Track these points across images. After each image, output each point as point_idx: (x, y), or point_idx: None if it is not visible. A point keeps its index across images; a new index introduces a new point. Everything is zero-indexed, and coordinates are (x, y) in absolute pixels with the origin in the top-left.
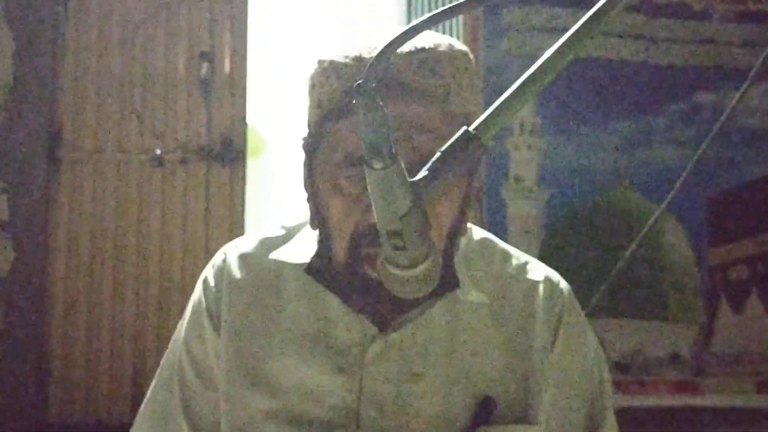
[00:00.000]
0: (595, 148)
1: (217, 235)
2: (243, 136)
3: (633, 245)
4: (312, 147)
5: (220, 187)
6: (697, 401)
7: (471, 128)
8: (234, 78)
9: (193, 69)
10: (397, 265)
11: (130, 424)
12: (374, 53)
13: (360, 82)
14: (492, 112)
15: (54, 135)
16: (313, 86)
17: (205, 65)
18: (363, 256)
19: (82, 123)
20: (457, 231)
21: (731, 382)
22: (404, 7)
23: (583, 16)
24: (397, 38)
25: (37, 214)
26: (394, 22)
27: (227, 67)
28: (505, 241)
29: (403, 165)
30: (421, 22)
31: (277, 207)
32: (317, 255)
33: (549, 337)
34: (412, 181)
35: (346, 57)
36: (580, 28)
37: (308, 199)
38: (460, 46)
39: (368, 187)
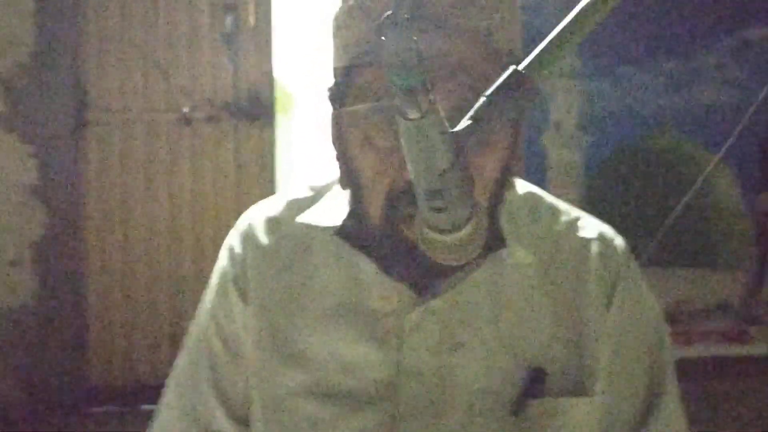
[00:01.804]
0: (638, 90)
1: (249, 192)
2: (270, 91)
3: (686, 197)
4: (339, 97)
5: (250, 144)
6: (747, 350)
7: (520, 68)
8: (259, 31)
9: (217, 22)
10: (437, 229)
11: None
12: None
13: (390, 12)
14: (543, 49)
15: (80, 96)
16: (338, 28)
17: (229, 18)
18: (400, 217)
19: (107, 83)
20: (502, 184)
21: None
22: None
23: None
24: None
25: (68, 177)
26: None
27: (252, 20)
28: (546, 190)
29: (442, 113)
30: None
31: (306, 164)
32: (349, 217)
33: (604, 300)
34: (453, 132)
35: None
36: None
37: (337, 157)
38: None
39: (402, 139)
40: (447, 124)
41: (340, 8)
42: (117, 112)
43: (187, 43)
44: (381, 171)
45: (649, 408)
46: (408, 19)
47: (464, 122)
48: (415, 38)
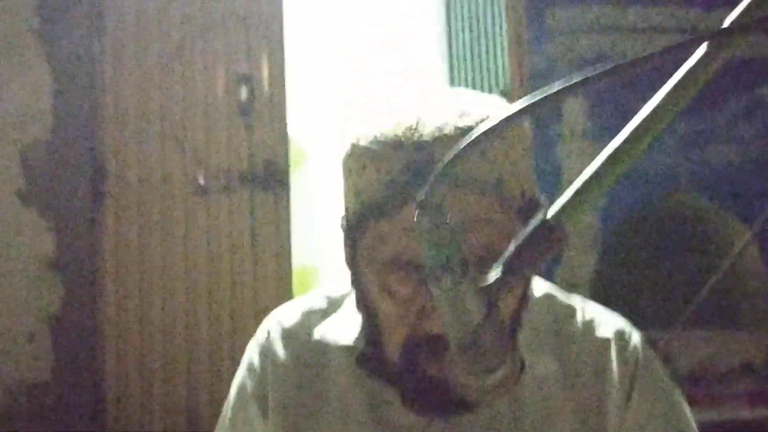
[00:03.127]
0: (651, 150)
1: (265, 260)
2: (285, 158)
3: (721, 270)
4: (353, 238)
5: (266, 213)
6: None
7: (548, 215)
8: (274, 99)
9: (232, 93)
10: (471, 372)
11: None
12: (414, 135)
13: (422, 199)
14: (572, 197)
15: (97, 169)
16: (349, 172)
17: (243, 89)
18: (421, 362)
19: (124, 155)
20: (522, 307)
21: None
22: (443, 12)
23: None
24: (463, 149)
25: (85, 250)
26: (433, 31)
27: (266, 89)
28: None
29: (473, 272)
30: (489, 128)
31: (320, 216)
32: (365, 341)
33: (624, 397)
34: (484, 287)
35: (384, 143)
36: (673, 88)
37: (352, 282)
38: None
39: (434, 302)
40: (479, 282)
41: (348, 152)
42: (134, 184)
43: (202, 113)
44: (400, 319)
45: None
46: (442, 202)
47: (494, 274)
48: (448, 217)
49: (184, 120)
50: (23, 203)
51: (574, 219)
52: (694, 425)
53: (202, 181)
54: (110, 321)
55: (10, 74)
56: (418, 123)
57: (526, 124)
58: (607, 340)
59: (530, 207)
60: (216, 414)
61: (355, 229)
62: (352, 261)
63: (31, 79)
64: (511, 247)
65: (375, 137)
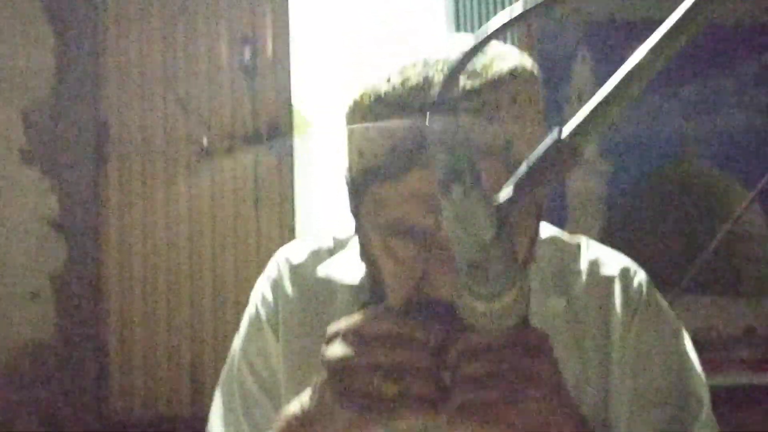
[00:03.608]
0: (658, 116)
1: (269, 222)
2: (289, 120)
3: (720, 234)
4: (357, 194)
5: (269, 175)
6: None
7: (562, 136)
8: (278, 61)
9: (235, 54)
10: (480, 296)
11: (190, 417)
12: (420, 97)
13: (434, 105)
14: (587, 117)
15: (100, 130)
16: (351, 132)
17: (247, 50)
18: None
19: (127, 116)
20: (534, 239)
21: None
22: None
23: None
24: (466, 54)
25: (88, 211)
26: (441, 7)
27: (270, 51)
28: (566, 218)
29: (485, 185)
30: (489, 34)
31: (324, 183)
32: (368, 279)
33: (626, 330)
34: (495, 206)
35: (389, 104)
36: (687, 12)
37: (356, 230)
38: (522, 60)
39: (444, 216)
40: (490, 197)
41: (350, 109)
42: (137, 145)
43: (206, 74)
44: (401, 282)
45: None
46: (453, 101)
47: (506, 193)
48: (459, 122)
49: (187, 81)
50: (25, 162)
51: (588, 139)
52: (696, 364)
53: (205, 142)
54: (114, 281)
55: (12, 33)
56: (425, 83)
57: (539, 86)
58: (611, 278)
59: None
60: (220, 370)
61: (358, 186)
62: (356, 213)
63: (33, 37)
64: (523, 167)
65: (379, 96)
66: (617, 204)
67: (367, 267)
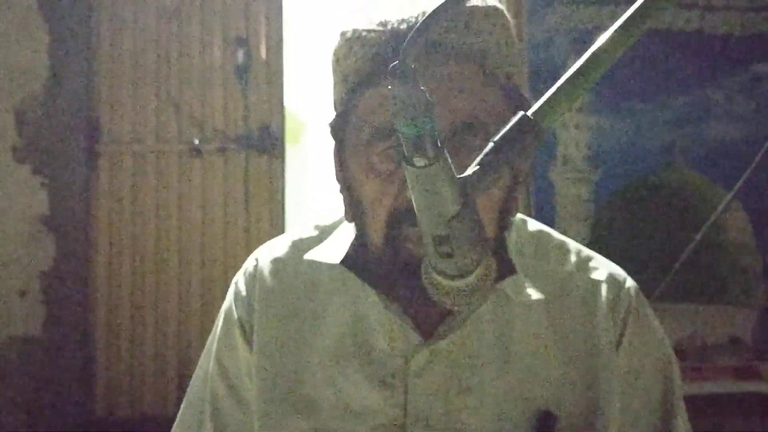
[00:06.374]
0: (647, 125)
1: (258, 223)
2: (281, 123)
3: (699, 235)
4: (341, 126)
5: (260, 176)
6: (758, 387)
7: (529, 113)
8: (271, 64)
9: (229, 56)
10: (444, 274)
11: (175, 417)
12: (402, 22)
13: (395, 63)
14: (552, 95)
15: (92, 127)
16: (337, 61)
17: (241, 52)
18: (402, 237)
19: (119, 114)
20: (507, 211)
21: None
22: None
23: None
24: (438, 8)
25: (78, 207)
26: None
27: (263, 54)
28: (555, 225)
29: (449, 159)
30: None
31: (316, 192)
32: (353, 247)
33: (614, 341)
34: (461, 178)
35: (371, 24)
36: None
37: (341, 190)
38: (493, 1)
39: (409, 185)
40: (455, 170)
41: (338, 42)
42: (128, 144)
43: (199, 75)
44: (382, 193)
45: None
46: (415, 68)
47: (472, 168)
48: (422, 87)
49: (179, 80)
50: (17, 160)
51: (553, 117)
52: (679, 380)
53: (196, 142)
54: (102, 280)
55: (7, 30)
56: (401, 24)
57: (510, 21)
58: (599, 283)
59: (517, 96)
60: None
61: (341, 115)
62: (341, 165)
63: (28, 35)
64: (490, 144)
65: (362, 23)
66: (604, 210)
67: (351, 212)
